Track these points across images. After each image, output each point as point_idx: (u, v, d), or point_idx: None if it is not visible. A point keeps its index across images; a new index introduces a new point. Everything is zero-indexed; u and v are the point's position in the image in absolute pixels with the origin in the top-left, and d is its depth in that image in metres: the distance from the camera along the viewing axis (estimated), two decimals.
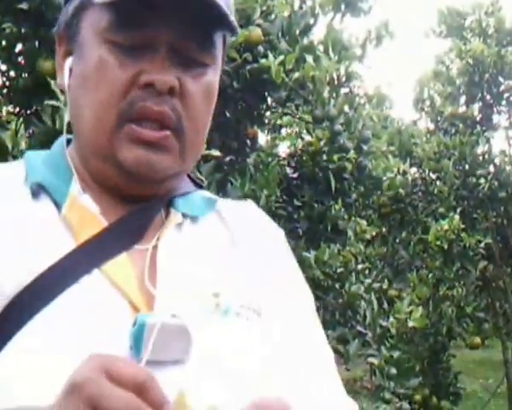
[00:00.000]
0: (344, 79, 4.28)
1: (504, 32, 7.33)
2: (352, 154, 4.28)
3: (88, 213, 1.13)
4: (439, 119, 7.54)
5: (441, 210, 6.76)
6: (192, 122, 1.14)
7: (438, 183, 6.92)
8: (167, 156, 1.13)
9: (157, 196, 1.19)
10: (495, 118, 7.56)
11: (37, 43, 3.37)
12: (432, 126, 7.70)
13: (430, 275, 7.40)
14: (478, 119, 7.51)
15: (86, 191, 1.15)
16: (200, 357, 1.06)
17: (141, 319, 1.02)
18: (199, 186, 1.31)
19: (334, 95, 4.20)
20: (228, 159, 3.29)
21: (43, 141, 3.24)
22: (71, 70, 1.16)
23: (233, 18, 1.13)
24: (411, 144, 6.84)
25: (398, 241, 6.97)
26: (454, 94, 7.37)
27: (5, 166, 1.23)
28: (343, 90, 4.39)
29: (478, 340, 8.20)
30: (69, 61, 1.17)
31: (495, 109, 7.50)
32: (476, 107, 7.53)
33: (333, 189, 4.27)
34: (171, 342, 1.03)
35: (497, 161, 7.42)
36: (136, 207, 1.16)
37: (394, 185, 4.80)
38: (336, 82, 4.22)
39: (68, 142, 1.22)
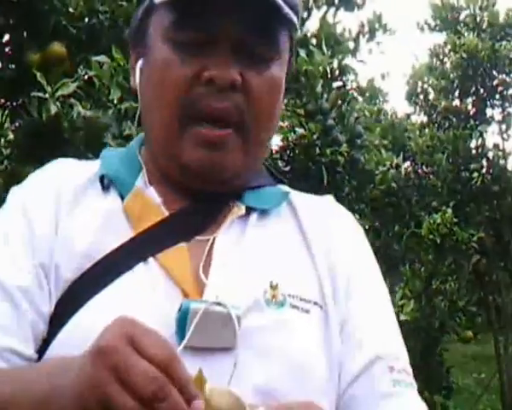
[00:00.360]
0: (337, 73, 4.27)
1: (498, 26, 7.34)
2: (344, 147, 4.27)
3: (150, 205, 1.19)
4: (432, 112, 7.55)
5: (434, 204, 6.77)
6: (256, 116, 1.16)
7: (431, 177, 6.93)
8: (230, 155, 1.16)
9: (226, 191, 1.22)
10: (488, 112, 7.58)
11: (25, 34, 3.35)
12: (425, 120, 7.71)
13: (423, 269, 7.42)
14: (471, 113, 7.50)
15: (153, 185, 1.21)
16: (249, 345, 1.08)
17: (185, 305, 1.06)
18: (279, 180, 1.34)
19: (327, 89, 4.19)
20: None
21: (30, 133, 3.22)
22: (141, 72, 1.21)
23: (292, 13, 1.14)
24: (405, 138, 6.86)
25: (390, 234, 6.99)
26: (448, 88, 7.37)
27: (84, 163, 1.31)
28: (336, 84, 4.38)
29: (470, 334, 8.21)
30: (139, 64, 1.22)
31: (488, 103, 7.50)
32: (470, 101, 7.54)
33: (325, 182, 4.25)
34: (217, 330, 1.06)
35: (490, 155, 7.41)
36: (199, 199, 1.21)
37: (387, 179, 4.80)
38: (329, 76, 4.22)
39: None
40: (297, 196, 1.31)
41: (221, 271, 1.14)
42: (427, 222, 6.48)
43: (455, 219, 6.59)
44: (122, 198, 1.20)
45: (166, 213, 1.18)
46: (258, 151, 1.23)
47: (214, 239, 1.17)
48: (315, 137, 4.38)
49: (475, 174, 7.06)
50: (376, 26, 4.50)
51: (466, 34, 7.34)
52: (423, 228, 6.47)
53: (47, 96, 2.88)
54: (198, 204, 1.21)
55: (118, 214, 1.19)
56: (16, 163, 3.21)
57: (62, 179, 1.23)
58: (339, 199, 5.24)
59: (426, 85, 7.57)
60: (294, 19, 1.15)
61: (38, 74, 2.91)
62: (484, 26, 7.39)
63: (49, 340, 1.11)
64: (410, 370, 1.21)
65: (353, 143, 4.34)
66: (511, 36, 7.31)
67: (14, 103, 3.38)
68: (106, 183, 1.22)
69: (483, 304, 8.37)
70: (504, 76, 7.37)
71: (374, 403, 1.15)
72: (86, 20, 3.43)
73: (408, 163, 7.04)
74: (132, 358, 0.84)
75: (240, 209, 1.21)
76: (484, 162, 7.34)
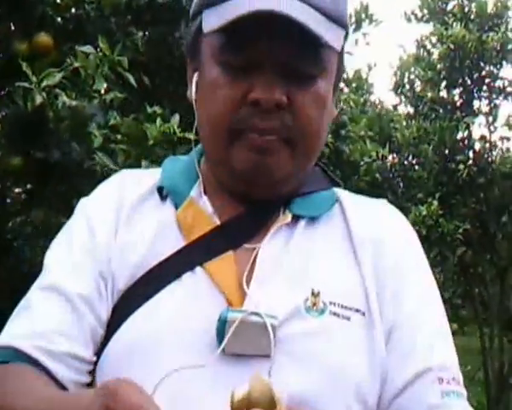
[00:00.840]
0: None
1: (486, 17, 7.33)
2: (329, 138, 4.28)
3: (202, 214, 1.25)
4: (419, 104, 7.55)
5: (420, 196, 6.78)
6: (303, 132, 1.21)
7: (417, 168, 6.94)
8: (278, 160, 1.20)
9: (275, 198, 1.27)
10: (475, 103, 7.56)
11: (12, 24, 3.36)
12: (412, 111, 7.73)
13: None
14: (458, 104, 7.50)
15: (208, 194, 1.28)
16: (287, 352, 1.13)
17: (223, 315, 1.12)
18: (334, 183, 1.37)
19: None
20: None
21: (15, 122, 3.24)
22: (197, 85, 1.27)
23: (336, 29, 1.19)
24: (391, 129, 6.86)
25: None
26: (435, 79, 7.37)
27: (147, 173, 1.39)
28: None
29: (455, 326, 8.27)
30: (196, 77, 1.27)
31: (476, 95, 7.50)
32: (457, 92, 7.54)
33: None
34: (254, 338, 1.12)
35: (476, 146, 7.44)
36: (250, 208, 1.26)
37: (371, 170, 4.81)
38: None
39: None
40: (349, 201, 1.33)
41: (263, 280, 1.18)
42: (413, 214, 6.50)
43: (441, 211, 6.61)
44: (177, 208, 1.27)
45: (218, 223, 1.24)
46: (307, 162, 1.27)
47: (259, 248, 1.22)
48: None
49: (461, 166, 7.07)
50: (363, 16, 4.52)
51: (453, 25, 7.34)
52: (409, 220, 6.47)
53: (32, 85, 2.89)
54: (248, 213, 1.26)
55: (171, 224, 1.25)
56: (2, 152, 3.23)
57: (125, 190, 1.31)
58: None
59: (412, 76, 7.57)
60: (338, 38, 1.20)
61: (24, 64, 2.92)
62: (471, 17, 7.39)
63: (104, 344, 1.19)
64: (460, 378, 1.22)
65: (338, 134, 4.37)
66: (499, 27, 7.29)
67: (2, 93, 3.39)
68: (164, 193, 1.29)
69: (468, 297, 8.42)
70: (492, 67, 7.37)
71: None
72: (73, 10, 3.44)
73: (394, 154, 7.05)
74: None
75: (286, 217, 1.26)
76: (470, 154, 7.36)
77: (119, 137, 3.09)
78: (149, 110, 3.21)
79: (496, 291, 7.95)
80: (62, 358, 1.17)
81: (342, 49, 1.29)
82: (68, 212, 3.25)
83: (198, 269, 1.20)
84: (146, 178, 1.34)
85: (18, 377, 1.15)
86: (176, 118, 3.15)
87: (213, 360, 1.10)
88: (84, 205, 1.33)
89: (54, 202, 3.25)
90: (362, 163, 4.80)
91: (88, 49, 3.13)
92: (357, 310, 1.20)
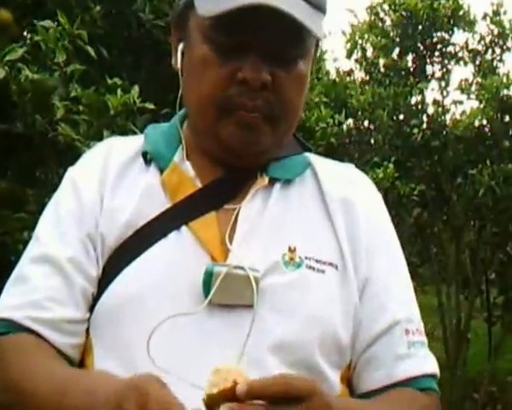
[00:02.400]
0: None
1: None
2: None
3: (186, 177, 1.34)
4: (373, 70, 7.61)
5: (376, 159, 6.88)
6: (284, 109, 1.31)
7: (373, 133, 7.01)
8: (260, 136, 1.30)
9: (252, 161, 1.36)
10: (428, 69, 7.64)
11: None
12: (366, 77, 7.77)
13: None
14: (411, 70, 7.59)
15: (190, 159, 1.36)
16: (268, 302, 1.24)
17: (209, 268, 1.23)
18: (306, 148, 1.48)
19: None
20: (164, 111, 3.38)
21: None
22: (182, 54, 1.35)
23: (317, 15, 1.28)
24: (346, 95, 6.92)
25: None
26: (388, 46, 7.46)
27: (130, 140, 1.47)
28: None
29: (414, 284, 8.40)
30: (181, 47, 1.35)
31: (428, 60, 7.58)
32: (410, 58, 7.60)
33: None
34: (238, 290, 1.22)
35: (430, 111, 7.53)
36: (230, 172, 1.35)
37: (326, 135, 4.91)
38: None
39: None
40: (320, 164, 1.45)
41: (244, 237, 1.30)
42: (370, 177, 6.53)
43: (396, 174, 6.71)
44: (161, 172, 1.36)
45: (199, 186, 1.34)
46: (285, 137, 1.38)
47: (240, 208, 1.33)
48: None
49: (416, 130, 7.17)
50: None
51: None
52: None
53: None
54: (228, 176, 1.36)
55: (156, 187, 1.35)
56: None
57: (109, 156, 1.39)
58: None
59: (366, 43, 7.64)
60: (319, 25, 1.29)
61: None
62: None
63: (97, 299, 1.30)
64: (422, 329, 1.39)
65: None
66: None
67: None
68: (148, 158, 1.38)
69: (426, 256, 8.57)
70: (443, 34, 7.44)
71: (391, 364, 1.32)
72: None
73: (350, 120, 7.12)
74: None
75: (263, 180, 1.36)
76: (424, 118, 7.44)
77: (80, 108, 3.16)
78: (109, 82, 3.28)
79: (452, 250, 8.11)
80: (56, 324, 1.27)
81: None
82: (33, 182, 3.33)
83: (183, 228, 1.30)
84: (130, 144, 1.43)
85: (22, 351, 1.26)
86: (135, 89, 3.22)
87: (201, 310, 1.21)
88: (70, 173, 1.41)
89: (18, 172, 3.31)
90: (317, 129, 4.89)
91: (48, 23, 3.19)
92: (331, 264, 1.32)
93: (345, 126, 6.67)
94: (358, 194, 1.43)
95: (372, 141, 6.97)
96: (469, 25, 7.50)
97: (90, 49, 3.24)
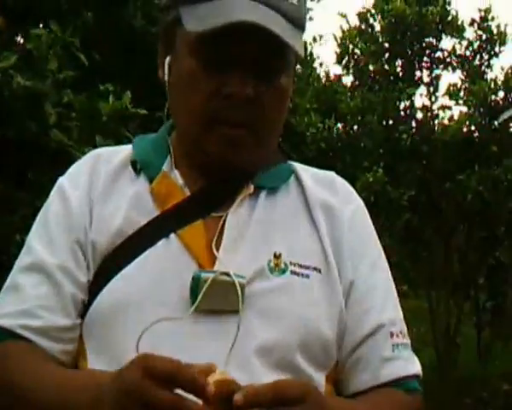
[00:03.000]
0: None
1: None
2: None
3: (174, 186, 1.37)
4: (362, 75, 7.63)
5: (366, 164, 6.91)
6: (267, 123, 1.33)
7: (362, 137, 7.05)
8: (244, 150, 1.31)
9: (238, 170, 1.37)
10: (417, 74, 7.71)
11: None
12: (356, 83, 7.79)
13: None
14: (400, 75, 7.64)
15: (178, 168, 1.38)
16: (254, 308, 1.26)
17: (197, 275, 1.25)
18: (288, 157, 1.49)
19: None
20: (156, 116, 3.41)
21: None
22: (169, 68, 1.36)
23: (296, 31, 1.31)
24: (336, 100, 6.96)
25: None
26: (377, 51, 7.50)
27: (118, 150, 1.47)
28: None
29: (405, 288, 8.46)
30: (168, 60, 1.37)
31: (417, 66, 7.64)
32: (398, 64, 7.66)
33: None
34: (224, 295, 1.25)
35: (419, 116, 7.61)
36: (217, 180, 1.37)
37: (316, 140, 4.94)
38: None
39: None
40: (303, 172, 1.45)
41: (230, 244, 1.31)
42: (361, 181, 6.64)
43: (386, 179, 6.77)
44: (150, 181, 1.37)
45: (188, 194, 1.36)
46: (269, 149, 1.39)
47: (226, 216, 1.34)
48: None
49: (405, 135, 7.25)
50: None
51: None
52: (357, 187, 6.60)
53: None
54: (215, 185, 1.37)
55: (146, 196, 1.36)
56: None
57: (97, 166, 1.41)
58: None
59: (356, 49, 7.67)
60: (299, 40, 1.32)
61: None
62: None
63: (88, 304, 1.31)
64: (405, 330, 1.40)
65: None
66: (437, 1, 7.42)
67: None
68: (138, 167, 1.40)
69: (416, 260, 8.61)
70: (432, 39, 7.51)
71: (377, 365, 1.34)
72: None
73: (340, 125, 7.15)
74: (152, 392, 1.02)
75: (249, 189, 1.37)
76: (413, 123, 7.53)
77: (73, 114, 3.19)
78: (101, 87, 3.31)
79: (441, 255, 8.16)
80: (47, 331, 1.29)
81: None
82: (25, 186, 3.33)
83: (172, 236, 1.32)
84: (118, 154, 1.44)
85: (15, 355, 1.28)
86: (128, 94, 3.25)
87: (188, 316, 1.23)
88: (60, 182, 1.42)
89: (10, 178, 3.33)
90: (308, 134, 4.93)
91: (40, 31, 3.22)
92: (315, 268, 1.33)
93: (335, 131, 6.69)
94: (341, 201, 1.45)
95: (362, 145, 6.98)
96: (457, 31, 7.56)
97: (82, 55, 3.27)
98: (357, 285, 1.37)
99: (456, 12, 7.47)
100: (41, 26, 3.32)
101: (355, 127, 7.10)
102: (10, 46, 3.37)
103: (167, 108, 1.41)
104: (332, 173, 1.52)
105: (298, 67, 5.44)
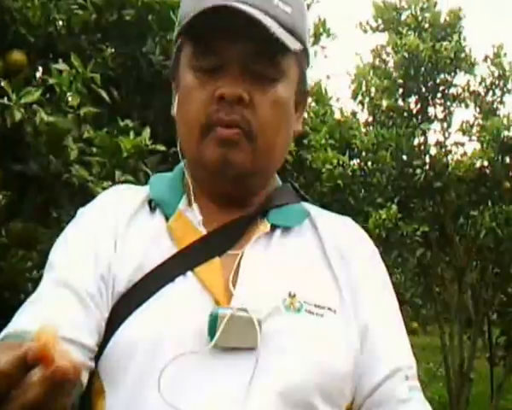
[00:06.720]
0: None
1: (439, 27, 7.51)
2: (292, 147, 4.41)
3: (190, 225, 1.40)
4: (376, 111, 7.67)
5: (380, 200, 6.92)
6: (261, 127, 1.35)
7: (376, 174, 7.07)
8: (240, 153, 1.34)
9: (253, 208, 1.42)
10: (430, 110, 7.72)
11: None
12: (370, 119, 7.84)
13: None
14: (414, 111, 7.66)
15: (194, 204, 1.41)
16: (269, 346, 1.27)
17: (214, 311, 1.26)
18: (302, 198, 1.53)
19: None
20: (172, 151, 3.43)
21: None
22: (176, 101, 1.40)
23: (292, 39, 1.34)
24: (350, 136, 6.98)
25: None
26: (391, 87, 7.52)
27: (136, 189, 1.51)
28: None
29: (415, 325, 8.44)
30: (174, 94, 1.42)
31: (430, 102, 7.66)
32: (412, 100, 7.69)
33: None
34: (242, 332, 1.26)
35: (432, 152, 7.60)
36: (233, 216, 1.40)
37: (333, 176, 4.96)
38: None
39: None
40: (318, 214, 1.50)
41: (247, 282, 1.33)
42: (374, 218, 6.64)
43: (400, 215, 6.76)
44: (167, 219, 1.40)
45: (204, 232, 1.38)
46: (266, 160, 1.40)
47: (243, 254, 1.36)
48: None
49: (419, 171, 7.23)
50: (321, 30, 4.66)
51: (407, 34, 7.48)
52: (370, 223, 6.62)
53: (10, 102, 3.00)
54: (231, 223, 1.40)
55: (163, 234, 1.39)
56: None
57: (119, 203, 1.44)
58: None
59: (369, 85, 7.68)
60: (294, 45, 1.34)
61: (4, 82, 3.03)
62: (425, 27, 7.54)
63: (105, 342, 1.31)
64: (416, 374, 1.42)
65: (301, 143, 4.49)
66: (452, 36, 7.46)
67: None
68: (153, 205, 1.43)
69: (429, 296, 8.60)
70: (446, 75, 7.52)
71: (394, 407, 1.35)
72: (44, 28, 3.53)
73: (354, 161, 7.17)
74: None
75: (265, 227, 1.41)
76: (427, 159, 7.51)
77: (93, 149, 3.21)
78: (121, 124, 3.34)
79: (454, 291, 8.14)
80: (72, 343, 1.26)
81: (304, 68, 1.46)
82: (46, 222, 3.35)
83: (189, 273, 1.33)
84: (137, 193, 1.47)
85: None
86: (147, 130, 3.28)
87: (206, 353, 1.24)
88: (85, 213, 1.44)
89: (32, 214, 3.35)
90: (324, 170, 4.94)
91: (61, 66, 3.25)
92: (330, 308, 1.35)
93: (349, 167, 6.70)
94: (355, 245, 1.48)
95: (375, 182, 6.99)
96: (470, 67, 7.58)
97: (102, 92, 3.30)
98: (373, 329, 1.38)
99: (470, 48, 7.49)
100: (60, 61, 3.33)
101: (369, 163, 7.10)
102: (31, 82, 3.40)
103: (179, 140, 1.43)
104: (347, 218, 1.55)
105: (313, 104, 5.48)
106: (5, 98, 3.07)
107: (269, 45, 1.32)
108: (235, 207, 1.42)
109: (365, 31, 7.76)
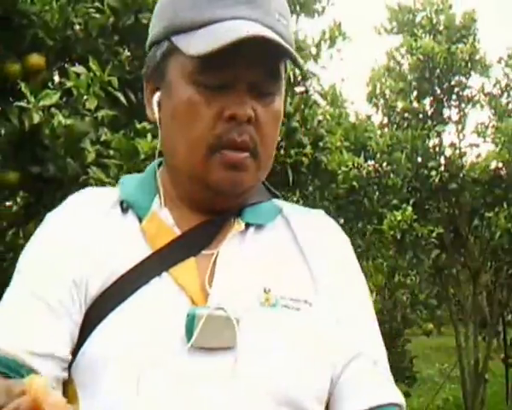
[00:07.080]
0: (300, 79, 4.44)
1: (454, 28, 7.53)
2: (308, 149, 4.41)
3: (164, 225, 1.37)
4: (391, 113, 7.69)
5: (395, 202, 6.93)
6: (264, 145, 1.35)
7: (391, 175, 7.07)
8: (247, 174, 1.34)
9: (228, 209, 1.41)
10: (445, 112, 7.74)
11: (3, 47, 3.48)
12: (385, 121, 7.85)
13: (385, 264, 7.61)
14: (429, 113, 7.68)
15: (167, 206, 1.39)
16: (247, 342, 1.27)
17: (191, 312, 1.26)
18: (274, 195, 1.53)
19: (291, 93, 4.34)
20: None
21: (11, 140, 3.38)
22: (159, 104, 1.37)
23: (295, 53, 1.33)
24: (366, 138, 6.98)
25: (354, 231, 7.09)
26: (405, 89, 7.54)
27: (106, 190, 1.51)
28: (299, 89, 4.54)
29: (431, 326, 8.44)
30: (156, 97, 1.37)
31: (445, 104, 7.67)
32: (427, 101, 7.70)
33: (291, 182, 4.40)
34: (219, 331, 1.26)
35: (447, 153, 7.62)
36: (207, 218, 1.39)
37: (348, 178, 4.97)
38: (292, 81, 4.37)
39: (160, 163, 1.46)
40: (290, 210, 1.50)
41: (222, 280, 1.33)
42: (389, 219, 6.65)
43: (415, 216, 6.77)
44: (140, 220, 1.38)
45: (178, 233, 1.37)
46: (265, 173, 1.42)
47: (218, 253, 1.36)
48: (280, 139, 4.54)
49: (433, 172, 7.24)
50: (336, 33, 4.67)
51: (422, 36, 7.50)
52: (385, 225, 6.65)
53: (29, 105, 3.04)
54: (205, 223, 1.39)
55: (136, 235, 1.36)
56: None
57: (89, 205, 1.41)
58: (304, 197, 5.39)
59: (384, 87, 7.70)
60: (301, 61, 1.36)
61: (23, 85, 3.07)
62: (440, 29, 7.57)
63: (79, 346, 1.30)
64: (387, 364, 1.43)
65: (316, 145, 4.49)
66: (467, 38, 7.48)
67: None
68: (125, 206, 1.40)
69: (443, 297, 8.59)
70: (460, 77, 7.54)
71: (365, 391, 1.35)
72: (62, 31, 3.57)
73: (370, 162, 7.18)
74: None
75: (239, 226, 1.40)
76: (442, 161, 7.53)
77: (111, 152, 3.24)
78: (138, 126, 3.37)
79: (469, 292, 8.13)
80: (46, 358, 1.26)
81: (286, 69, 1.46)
82: None
83: (164, 274, 1.32)
84: (106, 194, 1.44)
85: None
86: None
87: (184, 354, 1.24)
88: (53, 219, 1.41)
89: None
90: (339, 172, 4.95)
91: (79, 69, 3.29)
92: (306, 301, 1.35)
93: (364, 169, 6.71)
94: (327, 237, 1.48)
95: (391, 183, 6.99)
96: (485, 69, 7.58)
97: (120, 95, 3.32)
98: (344, 320, 1.39)
99: (485, 51, 7.49)
100: (77, 64, 3.36)
101: (384, 165, 7.10)
102: (49, 84, 3.43)
103: (159, 146, 1.41)
104: (319, 211, 1.56)
105: (328, 107, 5.49)
106: (23, 101, 3.12)
107: (280, 65, 1.33)
108: (208, 209, 1.40)
109: (379, 33, 7.77)
